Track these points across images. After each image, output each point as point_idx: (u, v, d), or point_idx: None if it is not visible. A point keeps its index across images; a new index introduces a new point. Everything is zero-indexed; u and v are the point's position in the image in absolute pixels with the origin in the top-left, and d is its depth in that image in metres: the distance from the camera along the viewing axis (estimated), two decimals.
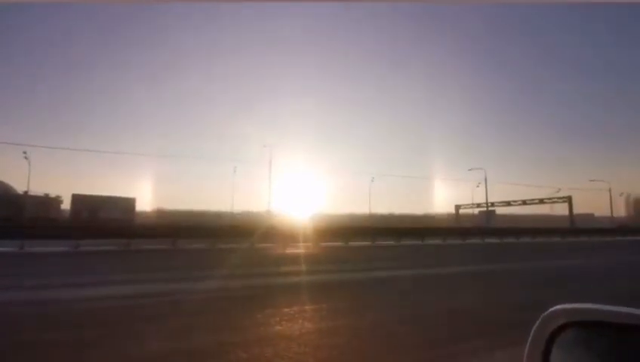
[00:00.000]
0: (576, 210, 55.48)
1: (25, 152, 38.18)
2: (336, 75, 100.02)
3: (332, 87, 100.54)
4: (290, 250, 16.41)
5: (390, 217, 63.12)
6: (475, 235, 27.29)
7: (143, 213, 51.06)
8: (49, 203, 37.20)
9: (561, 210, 54.01)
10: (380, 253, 17.15)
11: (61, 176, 65.91)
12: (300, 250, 16.71)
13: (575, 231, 34.78)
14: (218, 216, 49.09)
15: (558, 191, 54.76)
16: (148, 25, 79.77)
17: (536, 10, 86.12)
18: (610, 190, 51.97)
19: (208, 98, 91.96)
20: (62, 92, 75.92)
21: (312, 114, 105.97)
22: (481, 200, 56.03)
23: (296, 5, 76.92)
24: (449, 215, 66.41)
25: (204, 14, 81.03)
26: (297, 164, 78.12)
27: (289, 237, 19.85)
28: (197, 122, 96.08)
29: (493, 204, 58.01)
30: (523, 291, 7.55)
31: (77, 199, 32.68)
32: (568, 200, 50.07)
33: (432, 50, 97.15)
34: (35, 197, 35.78)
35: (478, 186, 55.05)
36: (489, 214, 57.87)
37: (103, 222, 30.09)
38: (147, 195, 60.13)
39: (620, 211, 70.15)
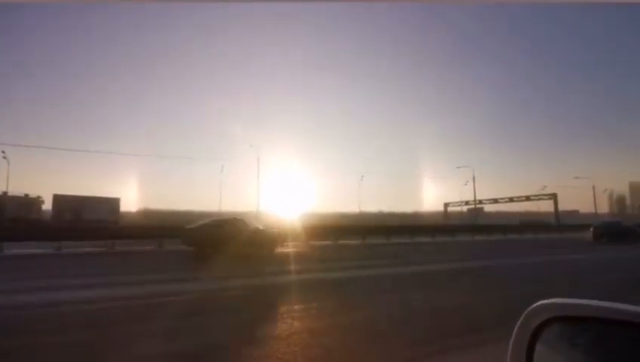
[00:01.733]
0: (562, 207, 56.47)
1: (3, 152, 37.10)
2: (325, 75, 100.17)
3: (321, 86, 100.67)
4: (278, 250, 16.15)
5: (380, 215, 63.38)
6: (461, 232, 27.40)
7: (130, 214, 50.19)
8: (30, 204, 36.07)
9: (547, 206, 54.87)
10: (367, 251, 17.02)
11: (42, 176, 64.31)
12: (288, 249, 16.47)
13: (558, 227, 35.28)
14: (205, 216, 48.53)
15: (544, 189, 55.63)
16: (133, 24, 78.69)
17: (525, 11, 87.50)
18: (593, 187, 52.96)
19: (196, 97, 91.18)
20: (43, 90, 74.34)
21: (301, 113, 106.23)
22: (470, 197, 56.62)
23: (285, 5, 76.57)
24: (438, 213, 66.90)
25: (192, 15, 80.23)
26: (286, 163, 78.02)
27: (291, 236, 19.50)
28: (185, 121, 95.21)
29: (481, 202, 58.60)
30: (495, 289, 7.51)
31: (59, 199, 31.79)
32: (553, 197, 50.86)
33: (421, 50, 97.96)
34: (15, 198, 34.67)
35: (466, 184, 55.53)
36: (477, 211, 58.46)
37: (86, 223, 29.31)
38: (133, 195, 58.96)
39: (605, 208, 71.85)
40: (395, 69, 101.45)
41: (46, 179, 59.58)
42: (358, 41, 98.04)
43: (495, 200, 57.94)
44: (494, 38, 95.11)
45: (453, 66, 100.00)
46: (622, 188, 78.52)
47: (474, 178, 50.97)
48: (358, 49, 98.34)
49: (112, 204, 34.09)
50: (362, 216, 56.21)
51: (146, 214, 50.56)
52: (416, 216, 63.29)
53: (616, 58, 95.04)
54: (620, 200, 78.80)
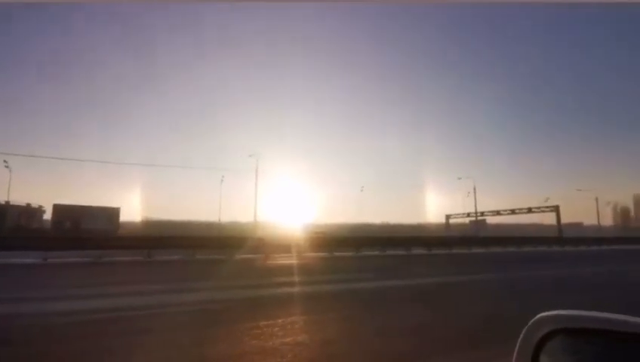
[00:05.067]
0: (565, 219, 55.87)
1: (5, 161, 37.55)
2: (327, 87, 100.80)
3: (323, 98, 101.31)
4: (272, 261, 16.14)
5: (384, 227, 63.12)
6: (461, 245, 27.15)
7: (131, 224, 50.41)
8: (31, 213, 36.50)
9: (550, 219, 54.28)
10: (360, 263, 16.91)
11: (45, 186, 64.82)
12: (284, 261, 16.46)
13: (560, 241, 34.84)
14: (206, 226, 48.59)
15: (546, 201, 55.16)
16: (134, 32, 79.87)
17: (529, 20, 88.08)
18: (597, 199, 52.47)
19: (198, 107, 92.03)
20: (45, 99, 75.15)
21: (303, 124, 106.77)
22: (473, 209, 56.27)
23: (288, 12, 77.76)
24: (441, 225, 66.50)
25: (193, 23, 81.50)
26: (289, 174, 78.12)
27: (274, 247, 19.58)
28: (187, 131, 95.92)
29: (482, 214, 58.20)
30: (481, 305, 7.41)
31: (58, 209, 32.08)
32: (556, 209, 50.35)
33: (425, 60, 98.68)
34: (17, 207, 35.08)
35: (468, 195, 55.30)
36: (479, 223, 58.00)
37: (85, 233, 29.48)
38: (135, 205, 59.21)
39: (608, 220, 71.02)
40: (400, 81, 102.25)
41: (49, 189, 59.83)
42: (361, 51, 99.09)
43: (497, 212, 57.48)
44: (497, 49, 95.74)
45: (456, 77, 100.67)
46: (626, 200, 77.97)
47: (474, 189, 50.83)
48: (360, 59, 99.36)
49: (112, 213, 34.32)
50: (366, 228, 56.12)
51: (149, 224, 50.79)
52: (419, 227, 63.02)
53: (620, 68, 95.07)
54: (625, 212, 77.84)
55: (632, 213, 78.24)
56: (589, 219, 63.02)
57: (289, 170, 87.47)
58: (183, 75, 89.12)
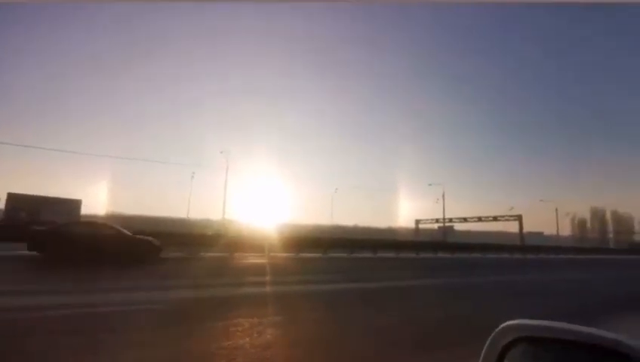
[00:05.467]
0: (528, 228, 58.33)
1: None
2: (303, 87, 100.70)
3: (298, 98, 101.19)
4: (238, 261, 15.87)
5: (355, 229, 63.60)
6: (428, 249, 27.76)
7: (95, 217, 48.31)
8: None
9: (514, 227, 56.57)
10: (326, 265, 16.95)
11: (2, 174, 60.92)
12: (250, 260, 16.21)
13: (519, 248, 36.33)
14: (173, 222, 47.33)
15: (511, 210, 57.42)
16: (104, 23, 76.85)
17: (499, 30, 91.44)
18: (556, 210, 55.09)
19: (171, 100, 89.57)
20: (13, 86, 70.89)
21: (277, 124, 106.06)
22: (441, 215, 57.77)
23: (263, 8, 77.20)
24: (411, 229, 67.86)
25: (168, 17, 79.51)
26: (262, 173, 77.38)
27: (241, 246, 19.31)
28: (158, 125, 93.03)
29: (451, 220, 59.82)
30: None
31: (13, 198, 30.23)
32: (519, 218, 52.54)
33: (398, 65, 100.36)
34: None
35: (437, 202, 56.66)
36: (447, 229, 59.62)
37: (42, 225, 27.92)
38: (100, 198, 56.78)
39: (567, 230, 74.71)
40: (372, 83, 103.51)
41: (8, 178, 56.24)
42: (336, 52, 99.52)
43: (464, 219, 59.30)
44: (467, 56, 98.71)
45: (429, 84, 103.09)
46: (584, 212, 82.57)
47: (443, 196, 52.13)
48: (334, 61, 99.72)
49: (72, 205, 32.74)
50: (337, 229, 56.38)
51: (114, 218, 48.89)
52: (389, 231, 64.05)
53: (580, 86, 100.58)
54: (582, 223, 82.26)
55: (589, 225, 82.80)
56: (549, 228, 66.10)
57: (263, 169, 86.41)
58: (157, 69, 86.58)
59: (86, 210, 41.53)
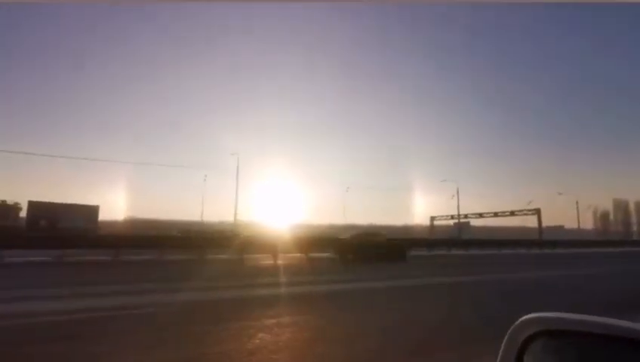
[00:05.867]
0: (547, 222, 56.86)
1: None
2: (313, 86, 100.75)
3: (310, 98, 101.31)
4: (249, 262, 16.02)
5: (370, 228, 63.17)
6: (440, 246, 27.41)
7: (114, 223, 49.51)
8: (6, 210, 35.54)
9: (533, 222, 55.26)
10: (320, 265, 16.84)
11: (21, 183, 62.99)
12: (262, 262, 16.34)
13: (539, 243, 35.40)
14: (189, 225, 48.05)
15: (529, 204, 56.10)
16: (117, 28, 78.69)
17: (509, 21, 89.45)
18: (577, 203, 53.49)
19: (183, 104, 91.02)
20: (24, 93, 73.13)
21: (289, 124, 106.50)
22: (457, 211, 56.88)
23: (272, 11, 77.59)
24: (427, 226, 67.02)
25: (177, 19, 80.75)
26: (274, 173, 77.82)
27: (254, 248, 19.41)
28: (172, 129, 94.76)
29: (466, 216, 58.84)
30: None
31: (34, 206, 31.28)
32: (537, 212, 51.21)
33: (410, 62, 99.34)
34: None
35: (452, 198, 55.85)
36: (463, 226, 58.68)
37: (62, 231, 28.86)
38: (117, 204, 58.28)
39: (589, 224, 72.49)
40: (383, 80, 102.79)
41: (29, 187, 58.27)
42: (346, 51, 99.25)
43: (480, 215, 58.20)
44: (481, 51, 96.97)
45: (442, 79, 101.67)
46: (606, 204, 79.67)
47: (457, 192, 51.32)
48: (345, 59, 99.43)
49: (90, 211, 33.62)
50: (352, 229, 56.05)
51: (132, 223, 49.97)
52: (405, 229, 63.39)
53: (602, 74, 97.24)
54: (604, 216, 79.52)
55: (612, 217, 79.99)
56: (570, 222, 64.29)
57: (276, 170, 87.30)
58: (169, 75, 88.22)
59: (106, 215, 42.72)
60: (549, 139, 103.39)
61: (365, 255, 17.06)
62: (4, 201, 35.29)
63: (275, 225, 48.59)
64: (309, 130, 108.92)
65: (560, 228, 63.35)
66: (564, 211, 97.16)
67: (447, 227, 62.99)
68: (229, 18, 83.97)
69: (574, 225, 55.46)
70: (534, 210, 52.22)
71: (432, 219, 65.59)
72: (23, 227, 34.14)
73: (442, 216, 63.25)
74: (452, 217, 59.02)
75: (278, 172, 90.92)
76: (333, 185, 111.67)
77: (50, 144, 76.32)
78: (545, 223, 54.40)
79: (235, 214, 42.88)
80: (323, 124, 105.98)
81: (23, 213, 37.42)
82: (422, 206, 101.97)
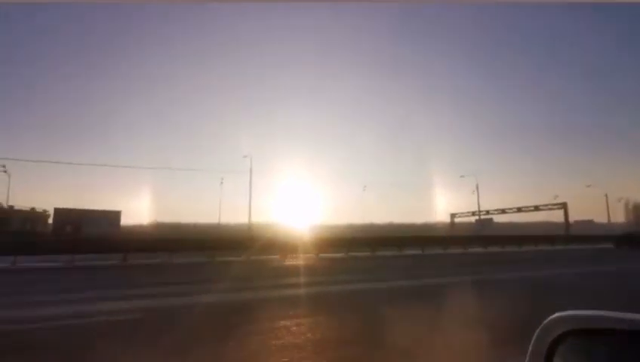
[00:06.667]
0: (576, 217, 54.54)
1: (4, 166, 37.82)
2: (328, 85, 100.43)
3: (325, 97, 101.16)
4: (253, 264, 16.19)
5: (389, 226, 62.45)
6: (458, 244, 26.77)
7: (138, 227, 51.12)
8: (36, 217, 37.36)
9: (559, 216, 53.14)
10: (352, 264, 16.80)
11: (46, 191, 65.92)
12: (275, 262, 16.50)
13: (564, 239, 34.03)
14: (209, 228, 48.96)
15: (555, 198, 54.05)
16: (134, 36, 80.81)
17: (534, 12, 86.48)
18: (606, 196, 51.05)
19: (201, 109, 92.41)
20: (47, 103, 76.13)
21: (306, 124, 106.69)
22: (481, 207, 55.54)
23: (286, 11, 77.98)
24: (446, 224, 65.65)
25: (194, 22, 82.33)
26: (293, 175, 78.28)
27: (265, 248, 19.70)
28: (189, 133, 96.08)
29: (488, 212, 57.29)
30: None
31: (59, 213, 32.73)
32: (563, 206, 49.22)
33: (427, 56, 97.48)
34: (21, 212, 35.95)
35: (472, 193, 54.55)
36: (485, 222, 57.16)
37: (86, 237, 30.00)
38: (138, 208, 60.11)
39: (620, 217, 69.04)
40: (400, 77, 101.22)
41: (50, 194, 60.81)
42: (362, 49, 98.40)
43: (502, 211, 56.49)
44: (500, 43, 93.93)
45: (460, 73, 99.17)
46: (638, 196, 75.45)
47: (477, 187, 50.04)
48: (361, 57, 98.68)
49: (112, 217, 34.86)
50: (370, 228, 55.67)
51: (158, 227, 51.38)
52: (425, 227, 62.26)
53: (630, 61, 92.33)
54: (637, 209, 75.50)
55: None
56: (600, 216, 61.44)
57: (293, 171, 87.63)
58: (187, 77, 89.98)
59: (130, 220, 44.06)
60: (574, 129, 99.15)
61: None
62: (33, 209, 37.14)
63: (294, 225, 48.79)
64: (327, 130, 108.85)
65: (589, 222, 60.71)
66: (593, 205, 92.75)
67: (469, 224, 61.48)
68: (243, 19, 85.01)
69: (604, 219, 52.98)
70: (560, 204, 50.22)
71: (452, 216, 64.17)
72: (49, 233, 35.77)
73: (463, 213, 61.82)
74: (473, 214, 57.62)
75: (296, 173, 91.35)
76: (350, 185, 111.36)
77: (75, 152, 79.42)
78: (573, 217, 52.27)
79: (250, 216, 43.33)
80: (340, 123, 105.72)
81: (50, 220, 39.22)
82: (442, 203, 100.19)
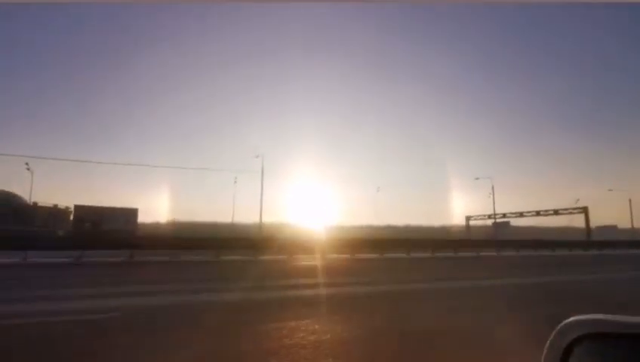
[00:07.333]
0: (599, 222, 52.72)
1: (27, 163, 39.26)
2: (342, 86, 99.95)
3: (338, 98, 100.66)
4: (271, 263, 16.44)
5: (407, 229, 61.60)
6: (468, 247, 26.39)
7: (157, 225, 52.30)
8: (59, 214, 38.84)
9: (580, 221, 51.45)
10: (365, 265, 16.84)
11: (66, 188, 67.93)
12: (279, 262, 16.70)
13: (584, 244, 32.98)
14: (223, 227, 49.58)
15: (577, 202, 52.33)
16: (155, 36, 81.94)
17: (544, 11, 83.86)
18: (630, 200, 49.08)
19: (212, 110, 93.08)
20: (68, 102, 78.19)
21: (321, 126, 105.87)
22: (497, 210, 54.37)
23: (300, 9, 78.11)
24: (462, 227, 64.50)
25: (210, 23, 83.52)
26: (307, 176, 78.47)
27: (275, 248, 19.96)
28: (204, 132, 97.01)
29: (505, 215, 56.01)
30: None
31: (79, 210, 33.89)
32: (584, 211, 47.61)
33: (440, 58, 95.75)
34: (45, 208, 37.46)
35: (489, 196, 53.43)
36: (502, 225, 55.92)
37: (104, 233, 31.07)
38: (155, 206, 61.55)
39: None
40: (414, 77, 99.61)
41: (71, 191, 62.59)
42: (375, 49, 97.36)
43: (520, 214, 55.09)
44: (516, 42, 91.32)
45: (475, 73, 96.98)
46: None
47: (493, 189, 49.00)
48: (374, 57, 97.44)
49: (129, 214, 35.79)
50: (389, 230, 55.10)
51: (175, 226, 52.39)
52: (442, 229, 61.25)
53: None
54: None
55: None
56: (624, 221, 59.05)
57: (307, 172, 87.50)
58: (201, 76, 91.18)
59: (148, 218, 44.97)
60: (596, 131, 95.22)
61: None
62: (55, 205, 38.68)
63: (309, 226, 48.80)
64: (340, 131, 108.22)
65: (612, 227, 58.47)
66: (616, 209, 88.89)
67: (485, 227, 60.23)
68: (258, 20, 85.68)
69: (628, 225, 50.98)
70: (581, 208, 48.61)
71: (468, 218, 63.00)
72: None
73: (478, 216, 60.61)
74: (489, 217, 56.44)
75: (310, 173, 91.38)
76: (364, 187, 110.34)
77: (94, 152, 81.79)
78: (595, 223, 50.57)
79: (261, 216, 43.68)
80: (353, 124, 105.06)
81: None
82: (458, 205, 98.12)
